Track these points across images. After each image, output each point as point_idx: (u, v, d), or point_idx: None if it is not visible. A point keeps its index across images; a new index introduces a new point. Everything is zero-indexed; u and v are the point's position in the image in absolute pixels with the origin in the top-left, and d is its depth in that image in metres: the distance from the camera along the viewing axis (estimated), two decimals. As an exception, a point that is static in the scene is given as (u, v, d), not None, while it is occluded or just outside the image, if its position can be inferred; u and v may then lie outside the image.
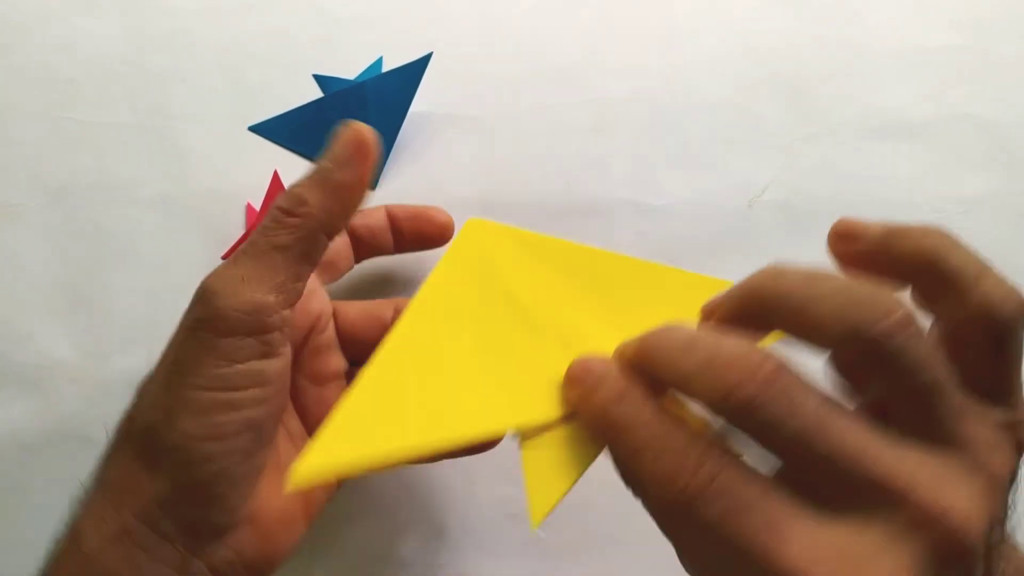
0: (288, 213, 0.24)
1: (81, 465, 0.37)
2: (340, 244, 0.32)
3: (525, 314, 0.26)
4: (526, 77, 0.43)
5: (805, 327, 0.20)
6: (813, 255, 0.40)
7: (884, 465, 0.17)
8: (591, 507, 0.37)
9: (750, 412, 0.18)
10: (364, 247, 0.34)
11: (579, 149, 0.42)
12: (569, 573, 0.37)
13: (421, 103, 0.41)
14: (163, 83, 0.42)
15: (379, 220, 0.33)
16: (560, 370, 0.24)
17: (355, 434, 0.22)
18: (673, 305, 0.26)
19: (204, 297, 0.23)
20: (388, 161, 0.41)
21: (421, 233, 0.34)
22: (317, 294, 0.31)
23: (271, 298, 0.23)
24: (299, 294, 0.25)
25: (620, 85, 0.43)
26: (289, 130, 0.41)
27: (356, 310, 0.31)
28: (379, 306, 0.31)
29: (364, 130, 0.26)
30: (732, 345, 0.19)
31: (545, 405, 0.24)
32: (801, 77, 0.43)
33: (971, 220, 0.41)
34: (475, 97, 0.42)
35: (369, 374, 0.23)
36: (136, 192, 0.41)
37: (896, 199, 0.41)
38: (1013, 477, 0.19)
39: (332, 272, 0.33)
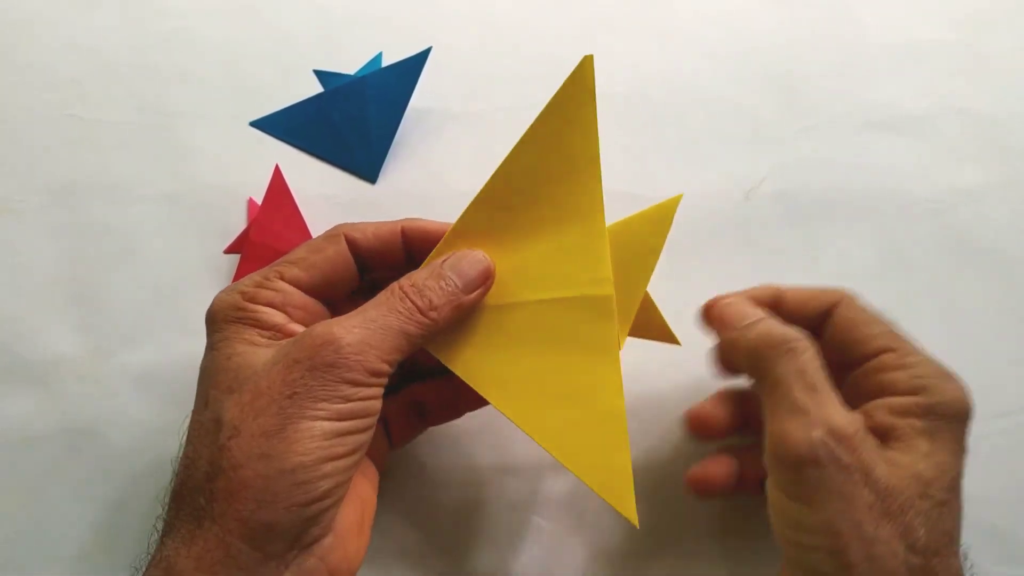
0: (421, 311, 0.28)
1: (86, 460, 0.38)
2: (343, 260, 0.31)
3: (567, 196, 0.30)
4: (524, 72, 0.43)
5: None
6: (809, 247, 0.41)
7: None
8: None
9: None
10: (375, 262, 0.33)
11: (577, 143, 0.42)
12: (570, 558, 0.37)
13: (420, 98, 0.41)
14: (165, 81, 0.43)
15: (393, 236, 0.32)
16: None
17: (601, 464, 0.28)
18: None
19: (333, 346, 0.26)
20: (387, 155, 0.41)
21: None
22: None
23: (386, 367, 0.27)
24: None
25: (617, 80, 0.43)
26: (290, 125, 0.42)
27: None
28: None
29: (489, 261, 0.30)
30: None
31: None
32: (797, 72, 0.44)
33: (966, 212, 0.42)
34: (474, 92, 0.43)
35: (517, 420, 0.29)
36: (139, 189, 0.41)
37: (891, 191, 0.42)
38: None
39: (339, 291, 0.33)
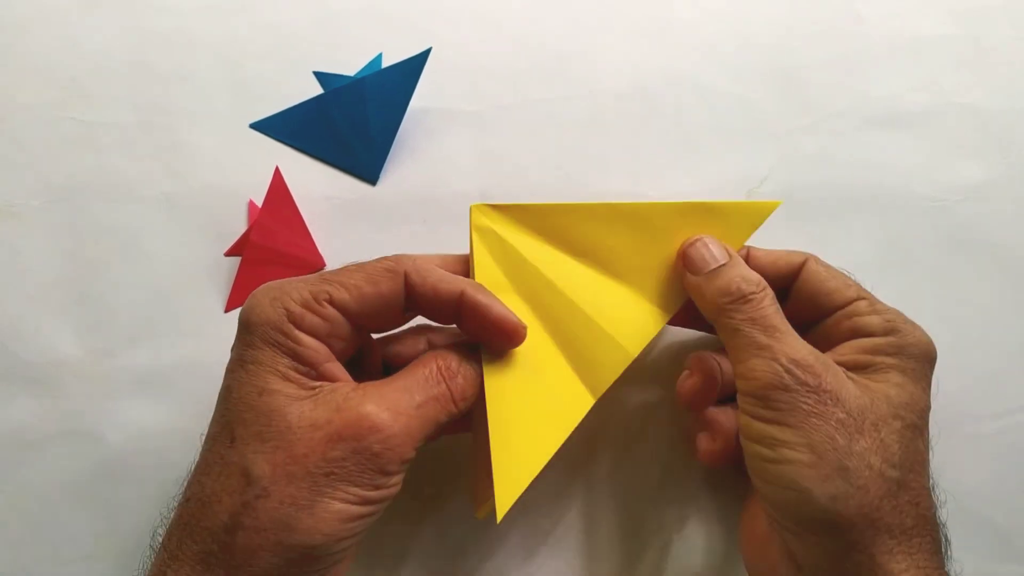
0: (453, 400, 0.29)
1: (86, 461, 0.38)
2: (395, 300, 0.30)
3: (554, 281, 0.33)
4: (524, 72, 0.43)
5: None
6: (811, 244, 0.40)
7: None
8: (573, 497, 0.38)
9: None
10: (424, 312, 0.32)
11: (577, 142, 0.42)
12: (570, 558, 0.37)
13: (420, 99, 0.41)
14: (165, 82, 0.42)
15: (451, 297, 0.30)
16: (598, 316, 0.32)
17: (512, 462, 0.30)
18: (660, 235, 0.34)
19: (381, 435, 0.27)
20: (388, 157, 0.41)
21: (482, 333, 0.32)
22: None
23: (414, 454, 0.28)
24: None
25: (618, 78, 0.43)
26: (290, 127, 0.42)
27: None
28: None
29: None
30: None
31: (609, 356, 0.32)
32: (798, 68, 0.43)
33: (968, 208, 0.42)
34: (474, 92, 0.43)
35: (491, 408, 0.30)
36: (139, 190, 0.41)
37: (893, 188, 0.42)
38: None
39: (380, 327, 0.33)
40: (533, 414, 0.31)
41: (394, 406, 0.27)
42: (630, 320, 0.33)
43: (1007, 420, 0.39)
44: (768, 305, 0.31)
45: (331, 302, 0.28)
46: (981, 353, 0.39)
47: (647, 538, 0.37)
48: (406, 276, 0.30)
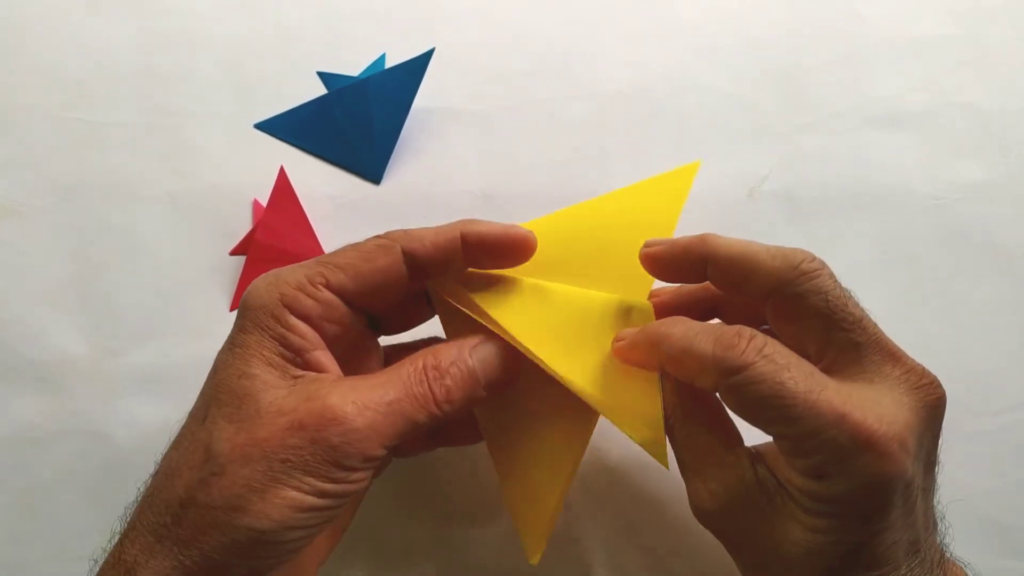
0: (436, 402, 0.28)
1: (92, 460, 0.38)
2: (395, 273, 0.30)
3: (529, 310, 0.31)
4: (527, 72, 0.43)
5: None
6: (811, 243, 0.41)
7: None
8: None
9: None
10: (434, 271, 0.31)
11: (579, 142, 0.42)
12: (571, 558, 0.37)
13: (424, 98, 0.41)
14: (170, 83, 0.43)
15: (452, 243, 0.30)
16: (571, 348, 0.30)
17: (531, 506, 0.30)
18: (601, 232, 0.32)
19: (341, 428, 0.26)
20: (392, 156, 0.42)
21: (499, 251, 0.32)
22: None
23: (383, 452, 0.27)
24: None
25: (620, 78, 0.43)
26: (294, 127, 0.42)
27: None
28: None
29: (517, 366, 0.30)
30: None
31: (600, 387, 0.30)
32: (798, 68, 0.44)
33: (968, 207, 0.42)
34: (477, 92, 0.43)
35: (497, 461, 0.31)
36: (144, 190, 0.41)
37: (893, 187, 0.42)
38: None
39: (384, 303, 0.32)
40: (540, 450, 0.31)
41: (362, 400, 0.27)
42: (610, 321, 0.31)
43: (1007, 417, 0.39)
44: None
45: (327, 285, 0.28)
46: (981, 351, 0.40)
47: (647, 537, 0.37)
48: (404, 249, 0.29)
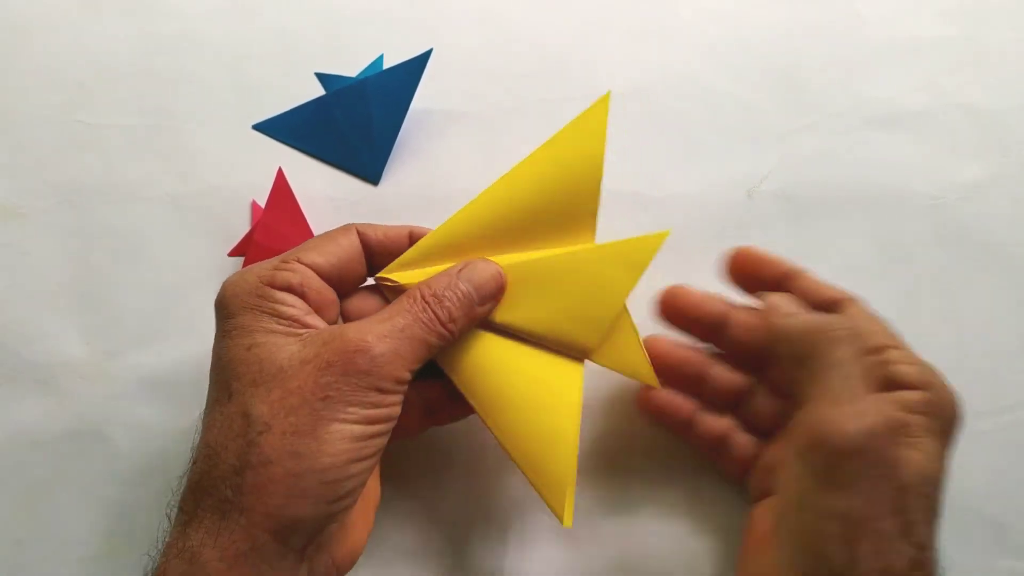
0: (442, 323, 0.30)
1: (93, 462, 0.38)
2: (356, 252, 0.32)
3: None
4: (525, 72, 0.43)
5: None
6: (810, 244, 0.41)
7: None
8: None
9: None
10: (383, 260, 0.34)
11: (578, 143, 0.42)
12: (571, 557, 0.37)
13: (422, 99, 0.41)
14: (169, 84, 0.43)
15: (400, 239, 0.34)
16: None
17: (545, 467, 0.31)
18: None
19: (368, 355, 0.27)
20: (390, 157, 0.42)
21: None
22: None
23: (409, 375, 0.29)
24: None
25: (618, 79, 0.43)
26: (293, 128, 0.42)
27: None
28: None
29: (503, 275, 0.32)
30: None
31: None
32: (798, 68, 0.44)
33: (968, 207, 0.42)
34: (475, 93, 0.43)
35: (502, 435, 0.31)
36: (144, 192, 0.41)
37: (893, 187, 0.42)
38: None
39: (349, 283, 0.34)
40: (535, 406, 0.31)
41: (377, 331, 0.28)
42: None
43: (1006, 417, 0.39)
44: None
45: (300, 261, 0.30)
46: (980, 351, 0.40)
47: (647, 537, 0.37)
48: (358, 229, 0.32)
